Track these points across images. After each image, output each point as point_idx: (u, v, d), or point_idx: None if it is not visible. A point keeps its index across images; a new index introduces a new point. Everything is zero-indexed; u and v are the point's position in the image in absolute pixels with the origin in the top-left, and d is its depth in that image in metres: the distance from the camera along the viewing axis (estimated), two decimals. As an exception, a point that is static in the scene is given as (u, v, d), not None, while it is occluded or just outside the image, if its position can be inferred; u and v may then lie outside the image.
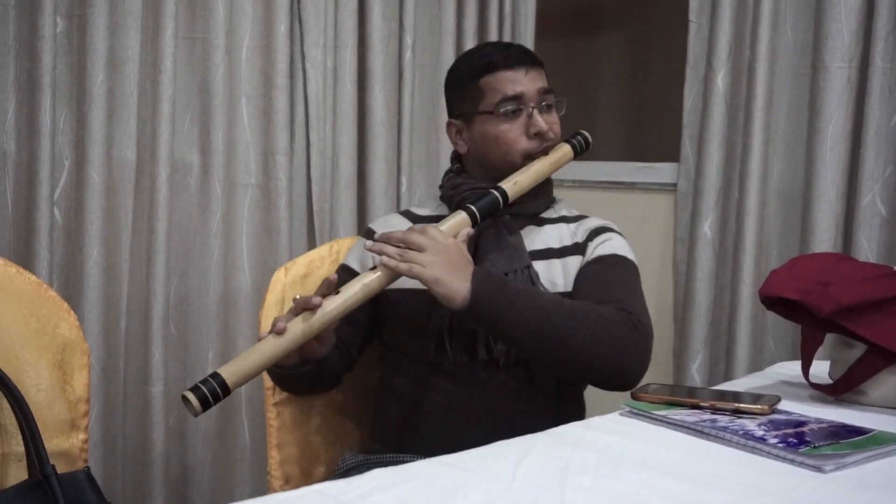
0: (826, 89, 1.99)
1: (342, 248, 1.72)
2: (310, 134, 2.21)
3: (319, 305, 1.25)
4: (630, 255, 1.50)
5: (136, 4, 1.94)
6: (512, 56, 1.50)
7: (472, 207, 1.40)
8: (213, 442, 2.12)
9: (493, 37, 2.49)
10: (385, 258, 1.29)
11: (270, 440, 1.57)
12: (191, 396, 1.18)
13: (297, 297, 1.28)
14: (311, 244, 2.23)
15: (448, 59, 2.40)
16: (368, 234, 1.58)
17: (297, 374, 1.39)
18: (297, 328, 1.25)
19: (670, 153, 2.36)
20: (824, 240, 1.99)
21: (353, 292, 1.29)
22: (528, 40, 2.58)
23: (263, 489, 1.87)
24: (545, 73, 1.54)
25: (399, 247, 1.31)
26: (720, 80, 2.16)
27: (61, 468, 1.24)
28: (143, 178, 1.99)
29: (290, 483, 1.57)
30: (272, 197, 2.14)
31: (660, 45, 2.74)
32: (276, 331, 1.24)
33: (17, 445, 1.23)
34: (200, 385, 1.19)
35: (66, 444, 1.34)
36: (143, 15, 1.96)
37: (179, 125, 2.05)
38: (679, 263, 2.32)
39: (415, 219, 1.58)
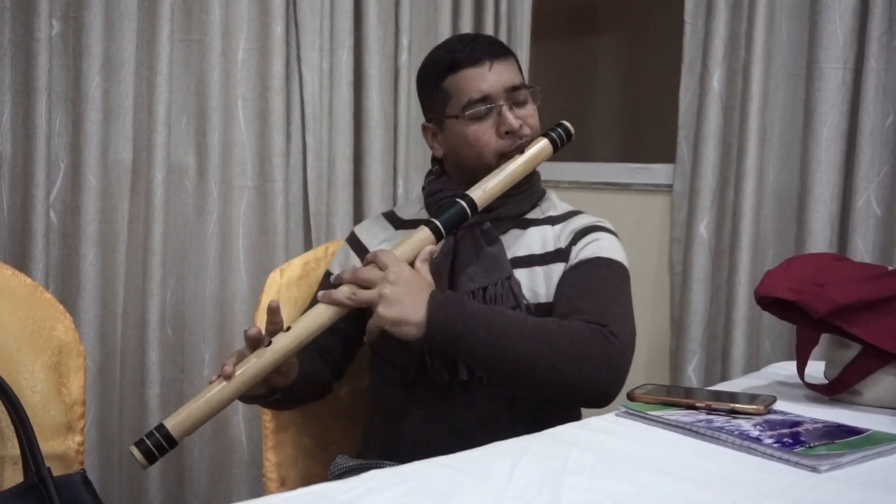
0: (821, 90, 1.99)
1: (338, 249, 1.72)
2: (306, 136, 2.20)
3: (265, 345, 1.21)
4: (617, 256, 1.41)
5: (132, 6, 1.94)
6: (476, 50, 1.40)
7: (436, 222, 1.32)
8: (210, 444, 2.12)
9: (489, 38, 2.49)
10: (338, 297, 1.24)
11: (266, 442, 1.56)
12: (136, 452, 1.16)
13: (245, 329, 1.23)
14: (308, 246, 2.22)
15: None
16: (352, 238, 1.55)
17: (269, 402, 1.35)
18: (246, 371, 1.20)
19: (666, 154, 2.36)
20: (820, 240, 2.00)
21: (304, 328, 1.24)
22: (523, 42, 2.58)
23: (259, 491, 1.87)
24: (516, 63, 1.45)
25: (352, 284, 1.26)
26: (716, 81, 2.16)
27: (57, 471, 1.23)
28: (139, 181, 1.99)
29: (286, 485, 1.57)
30: (268, 199, 2.14)
31: (655, 46, 2.74)
32: (224, 375, 1.19)
33: (13, 448, 1.22)
34: (145, 439, 1.17)
35: (62, 447, 1.33)
36: (139, 17, 1.96)
37: (175, 127, 2.05)
38: (675, 264, 2.32)
39: (398, 222, 1.54)
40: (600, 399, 1.26)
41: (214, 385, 1.20)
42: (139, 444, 1.17)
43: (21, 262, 1.81)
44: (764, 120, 2.11)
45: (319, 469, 1.62)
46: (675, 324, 2.31)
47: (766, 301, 1.30)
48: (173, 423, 1.18)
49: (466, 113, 1.39)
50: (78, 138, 1.90)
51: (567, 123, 1.45)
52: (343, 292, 1.25)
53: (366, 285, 1.24)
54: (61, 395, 1.35)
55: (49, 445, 1.30)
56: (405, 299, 1.22)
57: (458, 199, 1.35)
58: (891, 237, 1.93)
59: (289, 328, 1.24)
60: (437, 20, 2.43)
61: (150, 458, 1.17)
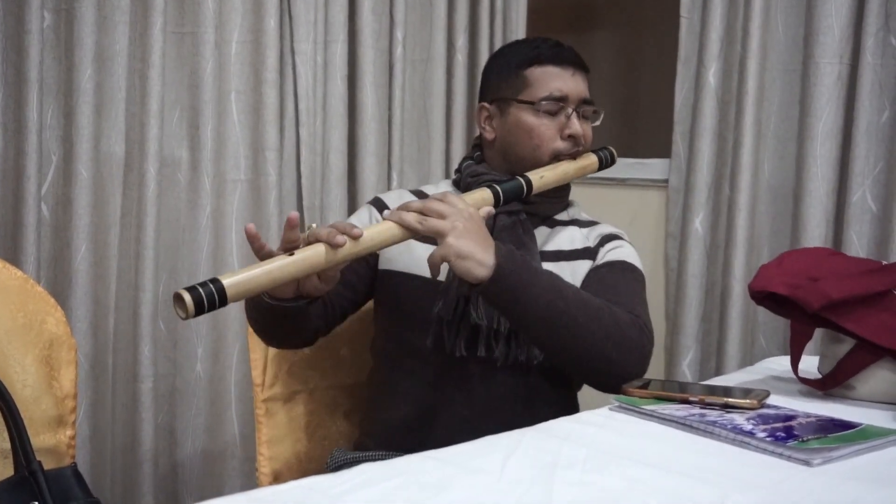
0: (817, 85, 1.99)
1: (332, 243, 1.71)
2: (300, 129, 2.20)
3: (342, 245, 1.16)
4: (639, 265, 1.50)
5: (125, -2, 1.93)
6: (563, 54, 1.49)
7: (497, 187, 1.36)
8: (203, 438, 2.11)
9: (484, 33, 2.48)
10: (406, 217, 1.22)
11: (259, 437, 1.56)
12: (185, 296, 1.07)
13: (314, 225, 1.20)
14: (301, 240, 2.21)
15: (439, 53, 2.40)
16: (377, 202, 1.54)
17: (286, 308, 1.29)
18: (308, 257, 1.16)
19: (662, 149, 2.36)
20: (815, 235, 2.00)
21: (371, 236, 1.20)
22: (519, 36, 2.57)
23: (253, 486, 1.86)
24: (588, 82, 1.53)
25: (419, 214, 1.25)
26: (711, 77, 2.16)
27: (48, 464, 1.23)
28: (132, 174, 1.98)
29: (280, 479, 1.56)
30: (262, 193, 2.13)
31: (651, 41, 2.74)
32: (287, 250, 1.16)
33: (3, 441, 1.21)
34: (198, 287, 1.08)
35: (52, 441, 1.33)
36: (132, 9, 1.95)
37: (168, 120, 2.04)
38: (670, 259, 2.32)
39: (425, 197, 1.55)
40: (624, 383, 1.26)
41: (275, 259, 1.16)
42: (191, 289, 1.08)
43: (12, 256, 1.81)
44: (760, 115, 2.10)
45: (313, 464, 1.62)
46: (669, 319, 2.31)
47: (761, 296, 1.30)
48: (230, 281, 1.10)
49: (543, 104, 1.45)
50: (70, 131, 1.90)
51: (613, 149, 1.57)
52: (412, 216, 1.23)
53: (436, 216, 1.24)
54: (52, 389, 1.35)
55: (40, 439, 1.30)
56: (476, 238, 1.24)
57: (518, 177, 1.40)
58: (886, 232, 1.93)
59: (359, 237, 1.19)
60: (433, 14, 2.42)
61: (199, 308, 1.08)
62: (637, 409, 1.14)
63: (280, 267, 1.15)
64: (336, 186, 2.25)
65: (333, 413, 1.67)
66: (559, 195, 1.53)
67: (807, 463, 0.93)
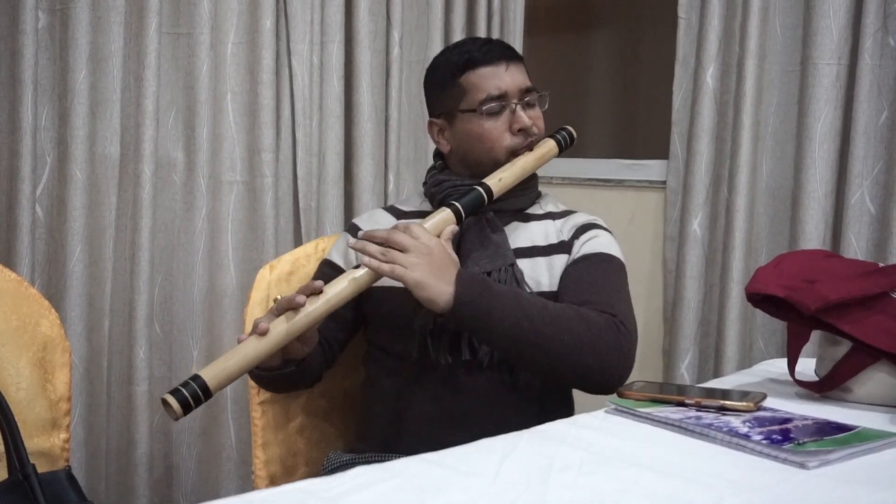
0: (815, 86, 1.98)
1: (328, 245, 1.70)
2: (296, 130, 2.19)
3: (303, 304, 1.23)
4: (617, 253, 1.48)
5: (120, -1, 1.92)
6: (492, 51, 1.48)
7: (457, 204, 1.38)
8: (198, 442, 2.10)
9: (481, 33, 2.48)
10: (367, 258, 1.27)
11: (255, 440, 1.55)
12: (171, 400, 1.14)
13: (279, 297, 1.25)
14: (298, 242, 2.21)
15: (436, 54, 2.39)
16: (352, 229, 1.57)
17: (280, 375, 1.37)
18: (280, 329, 1.22)
19: (660, 150, 2.36)
20: (813, 237, 1.99)
21: (336, 291, 1.27)
22: (516, 37, 2.57)
23: (249, 489, 1.85)
24: (525, 69, 1.52)
25: (382, 246, 1.29)
26: (709, 77, 2.16)
27: (42, 467, 1.22)
28: (127, 175, 1.98)
29: (276, 483, 1.56)
30: (258, 194, 2.12)
31: (649, 41, 2.74)
32: (258, 332, 1.22)
33: (-3, 445, 1.21)
34: (181, 388, 1.15)
35: (47, 444, 1.32)
36: (127, 10, 1.94)
37: (164, 121, 2.03)
38: (668, 261, 2.32)
39: (399, 214, 1.57)
40: (608, 386, 1.30)
41: (248, 341, 1.22)
42: (175, 392, 1.14)
43: (6, 258, 1.80)
44: (758, 116, 2.10)
45: (309, 467, 1.61)
46: (668, 321, 2.31)
47: (757, 298, 1.29)
48: (209, 375, 1.17)
49: (483, 108, 1.45)
50: (65, 132, 1.89)
51: (570, 128, 1.55)
52: (376, 248, 1.28)
53: (398, 248, 1.28)
54: (46, 392, 1.34)
55: (34, 442, 1.29)
56: (436, 270, 1.27)
57: (475, 186, 1.41)
58: (884, 234, 1.92)
59: (320, 292, 1.25)
60: (429, 14, 2.42)
61: (186, 408, 1.14)
62: (633, 412, 1.14)
63: (255, 348, 1.21)
64: (332, 188, 2.24)
65: (329, 416, 1.67)
66: (526, 188, 1.51)
67: (803, 465, 0.93)
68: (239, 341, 1.24)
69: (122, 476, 1.99)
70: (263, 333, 1.21)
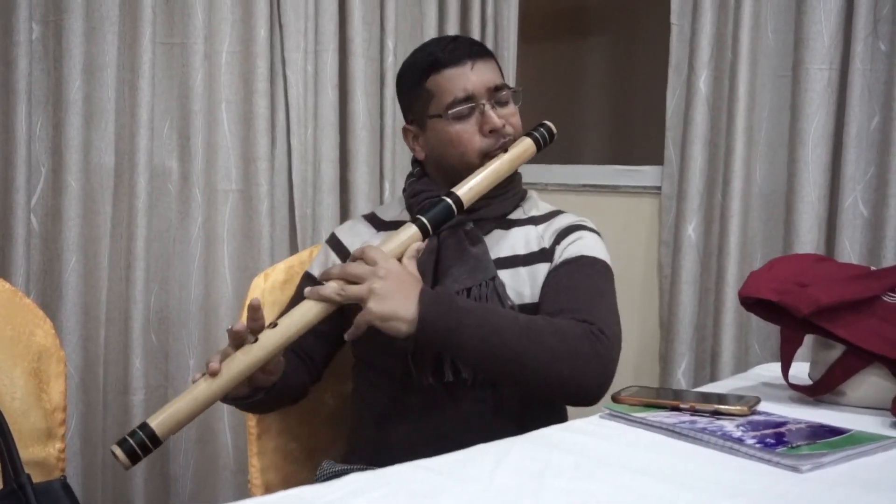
0: (807, 91, 1.99)
1: (323, 253, 1.71)
2: (291, 139, 2.19)
3: (251, 342, 1.19)
4: (601, 255, 1.41)
5: (113, 9, 1.93)
6: (457, 50, 1.42)
7: (423, 219, 1.31)
8: (195, 451, 2.10)
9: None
10: (326, 293, 1.23)
11: (251, 448, 1.55)
12: (117, 451, 1.11)
13: (229, 327, 1.20)
14: (294, 250, 2.21)
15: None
16: (333, 239, 1.55)
17: (251, 403, 1.34)
18: (233, 367, 1.17)
19: (654, 156, 2.36)
20: (807, 241, 1.99)
21: (292, 322, 1.23)
22: (510, 43, 2.58)
23: (245, 498, 1.85)
24: (496, 64, 1.46)
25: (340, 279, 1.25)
26: (702, 83, 2.16)
27: (38, 477, 1.23)
28: (122, 185, 1.98)
29: (272, 491, 1.55)
30: (253, 203, 2.12)
31: (642, 47, 2.75)
32: (210, 372, 1.16)
33: (-8, 455, 1.21)
34: (128, 438, 1.11)
35: (42, 454, 1.32)
36: (120, 20, 1.94)
37: (158, 131, 2.03)
38: (664, 267, 2.32)
39: (379, 224, 1.54)
40: (588, 397, 1.26)
41: (200, 382, 1.17)
42: (122, 443, 1.11)
43: (2, 268, 1.80)
44: (751, 121, 2.10)
45: (305, 475, 1.61)
46: (663, 326, 2.31)
47: (750, 302, 1.30)
48: (157, 422, 1.13)
49: (450, 112, 1.39)
50: (59, 142, 1.89)
51: (549, 123, 1.45)
52: (331, 287, 1.23)
53: (355, 280, 1.23)
54: (41, 402, 1.34)
55: (29, 452, 1.29)
56: (396, 295, 1.22)
57: (443, 197, 1.34)
58: (877, 238, 1.92)
59: (275, 325, 1.22)
60: (423, 22, 2.43)
61: (134, 459, 1.12)
62: (627, 417, 1.14)
63: (206, 391, 1.16)
64: (328, 196, 2.25)
65: (326, 423, 1.67)
66: (506, 192, 1.45)
67: (796, 469, 0.93)
68: (193, 381, 1.19)
69: (118, 486, 1.99)
70: (214, 374, 1.16)
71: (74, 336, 1.90)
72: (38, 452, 1.31)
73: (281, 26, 2.17)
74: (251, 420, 1.55)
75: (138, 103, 1.95)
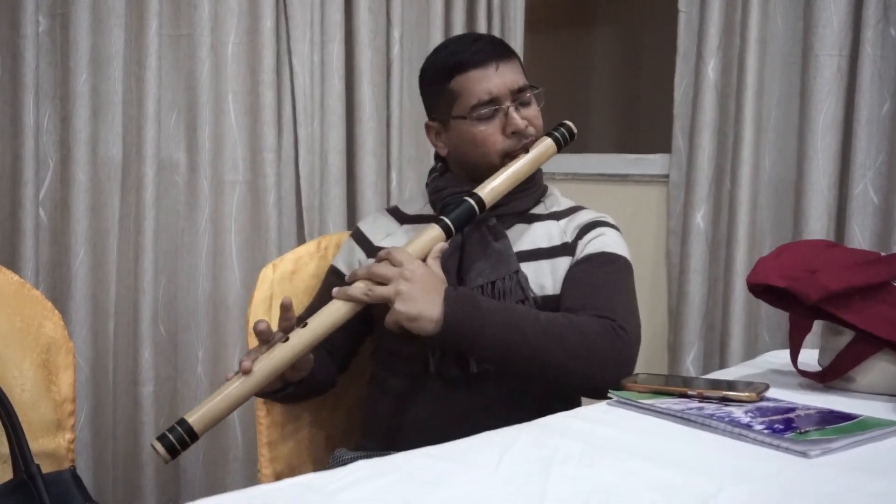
0: (817, 78, 1.98)
1: (330, 244, 1.71)
2: (298, 130, 2.19)
3: (282, 341, 1.24)
4: (622, 252, 1.45)
5: (120, 1, 1.92)
6: (481, 52, 1.43)
7: (446, 220, 1.35)
8: (205, 442, 2.10)
9: (482, 31, 2.48)
10: (353, 294, 1.27)
11: (261, 438, 1.55)
12: (158, 446, 1.18)
13: (255, 324, 1.23)
14: (301, 241, 2.21)
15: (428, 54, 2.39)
16: (357, 233, 1.57)
17: (281, 396, 1.38)
18: (264, 366, 1.22)
19: (662, 144, 2.35)
20: (817, 229, 1.99)
21: (320, 324, 1.27)
22: (517, 33, 2.57)
23: (255, 488, 1.86)
24: (519, 64, 1.48)
25: (367, 279, 1.29)
26: (711, 71, 2.15)
27: (48, 468, 1.23)
28: (130, 177, 1.98)
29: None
30: (260, 194, 2.12)
31: (650, 36, 2.74)
32: (242, 370, 1.21)
33: (2, 446, 1.21)
34: (167, 433, 1.18)
35: (51, 445, 1.33)
36: (127, 12, 1.94)
37: (165, 123, 2.03)
38: (672, 256, 2.31)
39: (402, 218, 1.56)
40: (606, 390, 1.26)
41: (233, 381, 1.22)
42: (161, 438, 1.18)
43: (11, 261, 1.80)
44: (760, 108, 2.09)
45: (315, 465, 1.61)
46: (672, 315, 2.30)
47: (759, 289, 1.29)
48: (195, 418, 1.19)
49: (474, 114, 1.42)
50: (67, 135, 1.89)
51: (570, 123, 1.49)
52: (359, 288, 1.28)
53: (381, 281, 1.27)
54: (51, 393, 1.34)
55: (39, 443, 1.29)
56: (421, 296, 1.26)
57: (466, 198, 1.38)
58: (888, 225, 1.92)
59: (305, 324, 1.26)
60: (429, 12, 2.42)
61: (173, 453, 1.18)
62: (635, 404, 1.13)
63: (240, 389, 1.22)
64: (335, 187, 2.25)
65: (335, 413, 1.67)
66: (528, 188, 1.48)
67: (804, 454, 0.93)
68: (227, 379, 1.24)
69: (129, 477, 2.00)
70: (247, 372, 1.21)
71: (84, 328, 1.91)
72: (47, 444, 1.32)
73: (287, 17, 2.16)
74: (261, 410, 1.55)
75: (145, 95, 1.95)
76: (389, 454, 1.37)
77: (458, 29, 2.44)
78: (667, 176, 2.33)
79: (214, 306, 2.10)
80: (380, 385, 1.51)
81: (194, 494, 2.09)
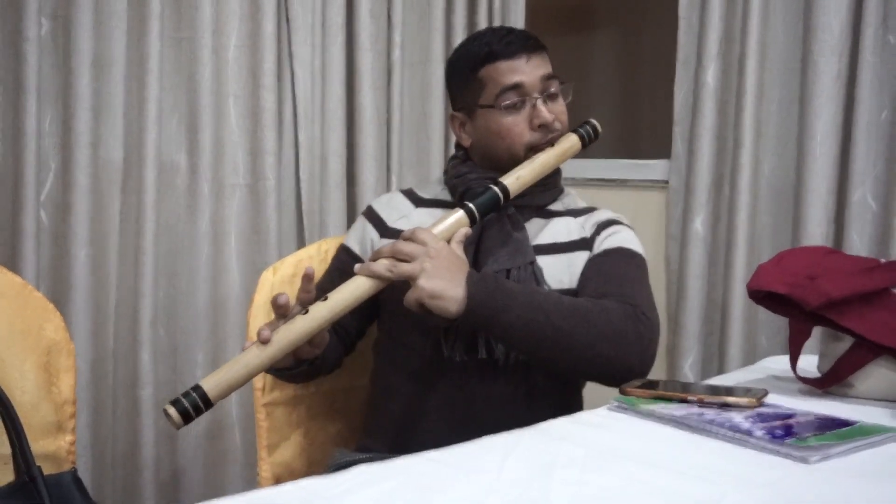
0: (816, 83, 1.98)
1: (331, 247, 1.71)
2: (298, 133, 2.20)
3: (303, 314, 1.21)
4: (638, 249, 1.46)
5: (122, 4, 1.93)
6: (512, 43, 1.43)
7: (471, 205, 1.35)
8: (204, 444, 2.11)
9: (482, 35, 2.48)
10: (377, 270, 1.25)
11: (260, 441, 1.55)
12: (171, 410, 1.13)
13: (274, 297, 1.21)
14: (301, 244, 2.22)
15: (437, 56, 2.39)
16: (369, 212, 1.56)
17: (294, 373, 1.37)
18: (283, 337, 1.20)
19: (662, 150, 2.36)
20: (816, 235, 1.99)
21: (342, 299, 1.24)
22: (517, 38, 2.57)
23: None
24: (549, 59, 1.48)
25: (390, 258, 1.27)
26: (710, 76, 2.15)
27: (48, 470, 1.23)
28: (131, 180, 1.98)
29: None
30: (261, 197, 2.13)
31: (650, 41, 2.74)
32: (261, 339, 1.19)
33: (3, 447, 1.21)
34: (181, 398, 1.14)
35: (52, 446, 1.33)
36: (129, 15, 1.95)
37: (166, 125, 2.04)
38: (671, 261, 2.31)
39: (417, 201, 1.55)
40: (631, 377, 1.27)
41: (251, 349, 1.19)
42: (175, 403, 1.14)
43: (12, 263, 1.81)
44: (759, 114, 2.10)
45: (315, 468, 1.61)
46: (671, 320, 2.31)
47: (759, 295, 1.30)
48: (210, 385, 1.16)
49: (502, 103, 1.42)
50: (68, 138, 1.90)
51: (594, 121, 1.50)
52: (383, 264, 1.26)
53: (405, 259, 1.26)
54: (51, 395, 1.35)
55: (39, 445, 1.30)
56: (445, 274, 1.24)
57: (491, 186, 1.37)
58: (887, 231, 1.92)
59: (326, 298, 1.24)
60: (431, 15, 2.42)
61: (186, 418, 1.14)
62: (635, 409, 1.14)
63: (257, 357, 1.19)
64: (335, 190, 2.25)
65: (334, 416, 1.67)
66: (548, 184, 1.48)
67: (804, 460, 0.93)
68: (244, 347, 1.22)
69: (128, 479, 2.00)
70: (266, 342, 1.19)
71: (84, 330, 1.91)
72: (48, 445, 1.32)
73: (288, 20, 2.17)
74: (260, 414, 1.55)
75: (146, 98, 1.95)
76: (390, 455, 1.38)
77: (459, 32, 2.44)
78: (666, 181, 2.33)
79: (214, 309, 2.10)
80: (383, 381, 1.51)
81: (193, 496, 2.09)
